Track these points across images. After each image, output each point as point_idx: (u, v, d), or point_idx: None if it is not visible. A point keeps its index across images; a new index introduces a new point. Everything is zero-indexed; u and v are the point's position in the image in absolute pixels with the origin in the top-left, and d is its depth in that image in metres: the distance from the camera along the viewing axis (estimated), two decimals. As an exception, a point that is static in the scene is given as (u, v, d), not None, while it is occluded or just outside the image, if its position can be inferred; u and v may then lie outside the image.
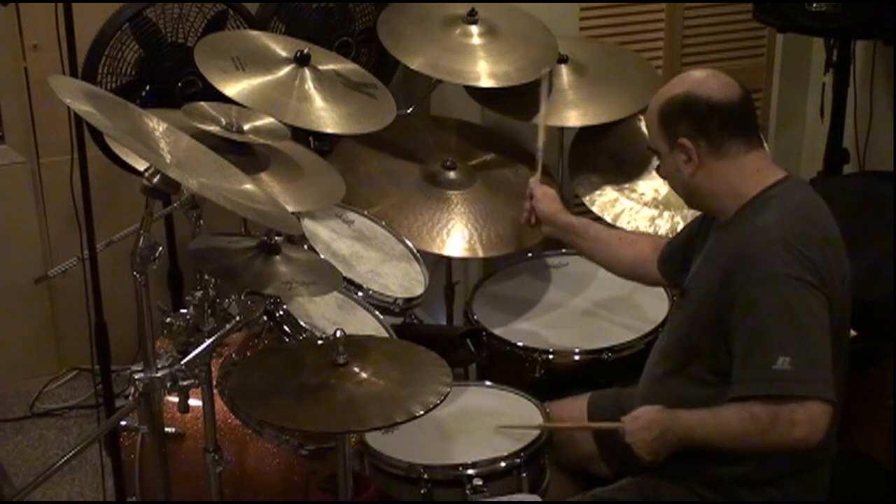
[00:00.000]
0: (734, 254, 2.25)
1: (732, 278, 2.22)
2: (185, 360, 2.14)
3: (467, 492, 2.42)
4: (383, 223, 3.05)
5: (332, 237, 2.92)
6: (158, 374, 2.10)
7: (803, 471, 2.31)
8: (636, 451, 2.34)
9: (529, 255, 3.31)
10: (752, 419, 2.16)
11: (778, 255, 2.18)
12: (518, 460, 2.47)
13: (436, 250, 3.06)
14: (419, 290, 2.91)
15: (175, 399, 2.23)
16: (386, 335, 2.73)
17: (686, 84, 2.34)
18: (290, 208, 2.52)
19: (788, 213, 2.25)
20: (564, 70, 3.35)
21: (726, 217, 2.33)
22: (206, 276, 2.32)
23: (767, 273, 2.18)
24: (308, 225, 2.86)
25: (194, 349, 2.19)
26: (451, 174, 3.21)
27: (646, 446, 2.32)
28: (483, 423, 2.63)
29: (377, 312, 2.79)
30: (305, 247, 2.74)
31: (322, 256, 2.73)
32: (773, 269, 2.17)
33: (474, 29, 3.27)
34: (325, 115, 2.91)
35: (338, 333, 2.24)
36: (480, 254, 3.10)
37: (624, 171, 3.31)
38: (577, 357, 2.89)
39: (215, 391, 2.39)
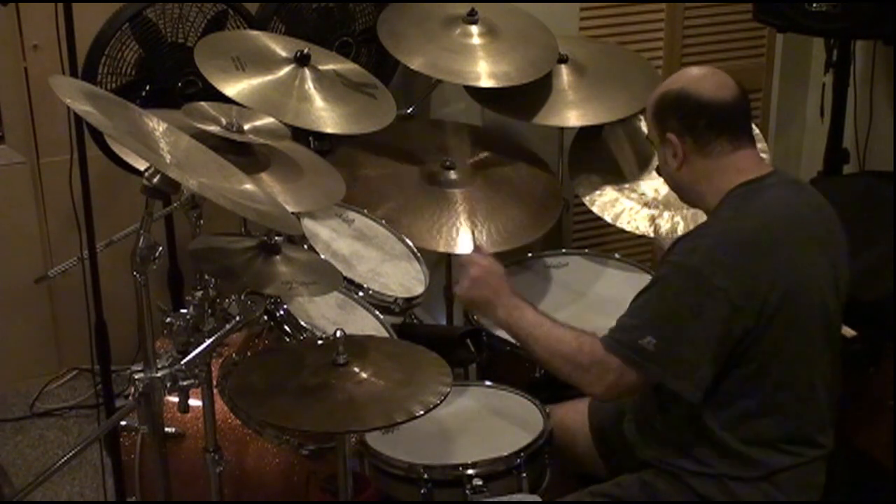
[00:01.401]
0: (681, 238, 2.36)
1: (667, 255, 2.31)
2: (185, 360, 2.14)
3: (467, 492, 2.42)
4: (383, 222, 3.05)
5: (332, 237, 2.92)
6: (158, 374, 2.10)
7: (799, 466, 2.31)
8: (457, 289, 2.49)
9: (529, 255, 3.31)
10: (579, 351, 2.30)
11: (700, 249, 2.23)
12: (518, 460, 2.47)
13: (442, 249, 3.06)
14: (419, 290, 2.91)
15: (175, 399, 2.23)
16: (386, 335, 2.73)
17: (683, 80, 2.37)
18: (290, 208, 2.52)
19: (740, 211, 2.27)
20: (564, 70, 3.35)
21: (708, 214, 2.37)
22: (206, 276, 2.32)
23: (682, 260, 2.24)
24: (308, 225, 2.86)
25: (194, 349, 2.19)
26: (451, 174, 3.21)
27: (472, 298, 2.48)
28: (483, 423, 2.63)
29: (377, 312, 2.79)
30: (305, 247, 2.74)
31: (322, 256, 2.73)
32: (690, 259, 2.22)
33: (474, 29, 3.28)
34: (325, 115, 2.91)
35: (338, 333, 2.24)
36: (486, 250, 3.09)
37: (624, 171, 3.32)
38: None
39: (215, 391, 2.39)
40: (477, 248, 2.70)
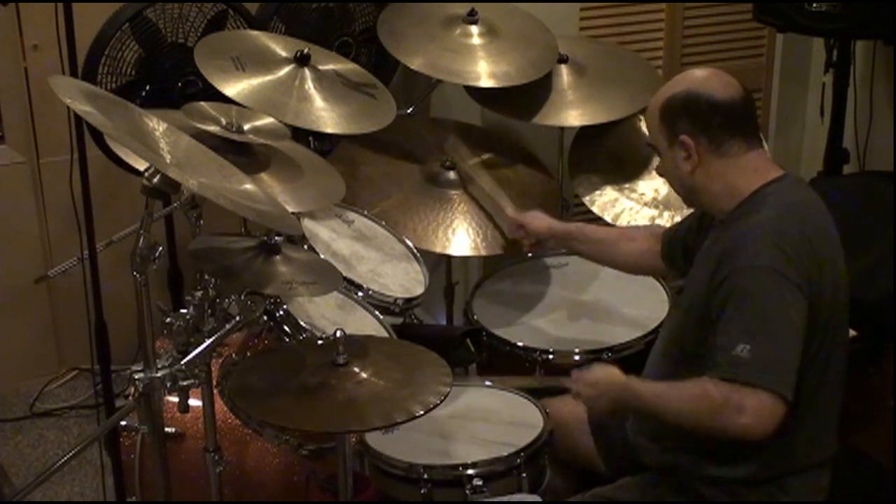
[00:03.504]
0: (724, 249, 2.26)
1: (720, 271, 2.24)
2: (185, 360, 2.14)
3: (467, 492, 2.42)
4: (383, 223, 3.05)
5: (332, 237, 2.92)
6: (158, 374, 2.10)
7: (804, 470, 2.31)
8: (583, 402, 2.47)
9: (529, 255, 3.31)
10: (704, 397, 2.19)
11: (765, 249, 2.19)
12: (518, 460, 2.46)
13: (440, 250, 3.06)
14: (419, 290, 2.91)
15: (175, 399, 2.23)
16: (386, 335, 2.73)
17: (688, 82, 2.35)
18: (290, 208, 2.52)
19: (781, 210, 2.26)
20: (564, 70, 3.35)
21: (723, 215, 2.34)
22: (206, 276, 2.31)
23: (750, 263, 2.20)
24: (308, 225, 2.86)
25: (194, 349, 2.19)
26: (451, 174, 3.21)
27: (593, 405, 2.45)
28: (483, 423, 2.63)
29: (377, 312, 2.79)
30: (305, 247, 2.74)
31: (322, 256, 2.73)
32: (757, 260, 2.19)
33: (474, 29, 3.28)
34: (325, 115, 2.91)
35: (338, 333, 2.24)
36: (483, 252, 3.10)
37: (624, 172, 3.32)
38: (577, 357, 2.89)
39: (215, 391, 2.39)
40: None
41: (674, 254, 2.62)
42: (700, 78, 2.35)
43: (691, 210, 2.59)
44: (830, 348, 2.26)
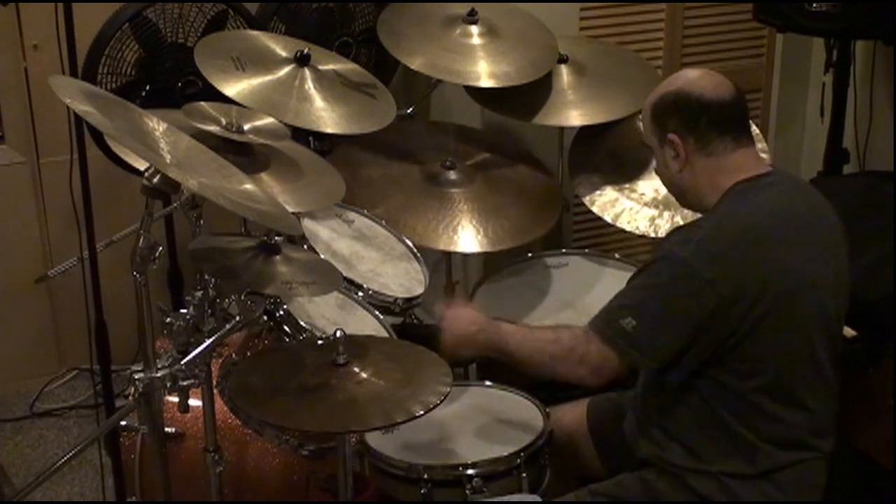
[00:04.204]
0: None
1: (663, 243, 2.35)
2: (185, 360, 2.14)
3: (467, 492, 2.42)
4: (383, 222, 3.05)
5: (332, 237, 2.92)
6: (158, 374, 2.10)
7: (798, 464, 2.31)
8: (443, 339, 2.47)
9: (529, 255, 3.31)
10: (556, 342, 2.33)
11: (694, 241, 2.24)
12: (518, 460, 2.46)
13: (443, 247, 3.06)
14: (419, 290, 2.91)
15: (175, 399, 2.23)
16: (386, 335, 2.73)
17: (679, 81, 2.37)
18: (289, 209, 2.52)
19: (734, 208, 2.28)
20: (564, 70, 3.35)
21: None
22: (206, 276, 2.32)
23: (674, 251, 2.26)
24: (308, 225, 2.86)
25: (194, 349, 2.19)
26: (451, 174, 3.21)
27: (455, 338, 2.46)
28: (483, 423, 2.63)
29: (377, 312, 2.79)
30: (305, 247, 2.74)
31: (322, 256, 2.73)
32: (682, 250, 2.24)
33: (474, 29, 3.28)
34: (325, 115, 2.91)
35: (338, 333, 2.24)
36: (487, 248, 3.10)
37: (624, 171, 3.32)
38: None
39: (215, 391, 2.39)
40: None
41: None
42: (692, 77, 2.37)
43: (690, 210, 2.59)
44: (797, 348, 2.26)
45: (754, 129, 3.24)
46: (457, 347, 2.47)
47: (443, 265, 3.36)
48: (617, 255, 3.36)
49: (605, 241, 3.84)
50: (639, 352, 2.26)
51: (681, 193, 2.42)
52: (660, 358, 2.28)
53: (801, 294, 2.26)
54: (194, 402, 2.28)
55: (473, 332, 2.46)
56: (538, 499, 2.46)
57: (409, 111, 3.39)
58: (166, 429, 2.44)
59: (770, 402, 2.26)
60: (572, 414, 2.68)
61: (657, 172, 2.46)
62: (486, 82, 3.20)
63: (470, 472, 2.43)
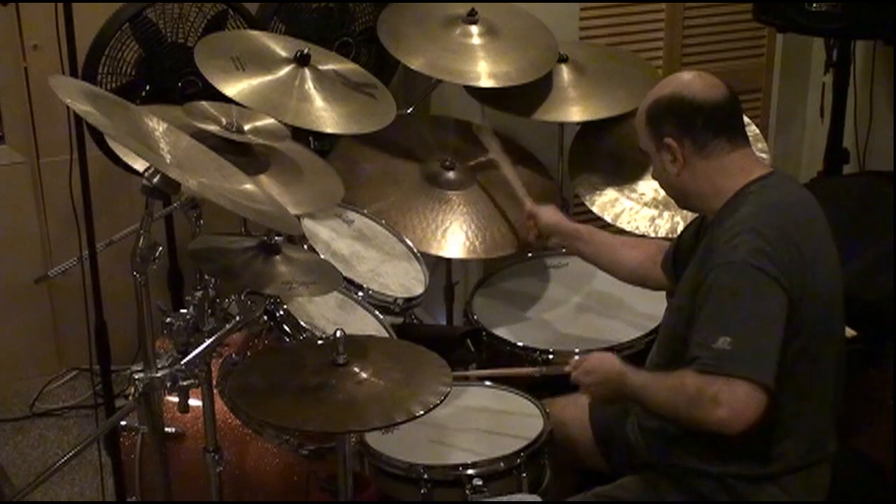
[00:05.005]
0: (707, 248, 2.29)
1: (702, 270, 2.26)
2: (185, 360, 2.14)
3: (467, 492, 2.42)
4: (383, 222, 3.05)
5: (332, 237, 2.92)
6: (158, 374, 2.10)
7: (803, 468, 2.31)
8: (581, 391, 2.46)
9: (529, 255, 3.31)
10: (682, 389, 2.20)
11: (742, 244, 2.21)
12: (518, 460, 2.46)
13: (434, 251, 3.06)
14: (419, 290, 2.91)
15: (175, 399, 2.23)
16: (386, 335, 2.73)
17: (672, 85, 2.37)
18: (289, 210, 2.52)
19: (760, 207, 2.27)
20: (564, 68, 3.35)
21: (713, 215, 2.35)
22: (206, 276, 2.31)
23: (729, 259, 2.22)
24: (308, 225, 2.86)
25: (194, 349, 2.19)
26: (451, 174, 3.21)
27: (592, 394, 2.46)
28: (483, 423, 2.63)
29: (377, 312, 2.79)
30: (305, 247, 2.74)
31: (322, 256, 2.73)
32: (735, 255, 2.21)
33: (474, 29, 3.28)
34: (325, 115, 2.91)
35: (338, 333, 2.24)
36: (481, 255, 3.10)
37: (624, 171, 3.32)
38: (577, 357, 2.88)
39: (215, 391, 2.39)
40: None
41: (669, 262, 2.62)
42: (684, 81, 2.37)
43: (688, 211, 2.59)
44: (821, 344, 2.26)
45: (754, 130, 3.27)
46: (604, 402, 2.50)
47: (443, 265, 3.36)
48: (617, 256, 3.36)
49: (605, 241, 3.84)
50: (749, 365, 2.14)
51: (683, 196, 2.41)
52: (767, 367, 2.15)
53: (828, 293, 2.27)
54: (194, 402, 2.28)
55: (605, 388, 2.41)
56: (538, 499, 2.46)
57: (409, 111, 3.38)
58: (166, 429, 2.44)
59: (783, 401, 2.25)
60: (573, 407, 2.67)
61: (655, 178, 2.46)
62: (486, 82, 3.20)
63: (470, 472, 2.43)
